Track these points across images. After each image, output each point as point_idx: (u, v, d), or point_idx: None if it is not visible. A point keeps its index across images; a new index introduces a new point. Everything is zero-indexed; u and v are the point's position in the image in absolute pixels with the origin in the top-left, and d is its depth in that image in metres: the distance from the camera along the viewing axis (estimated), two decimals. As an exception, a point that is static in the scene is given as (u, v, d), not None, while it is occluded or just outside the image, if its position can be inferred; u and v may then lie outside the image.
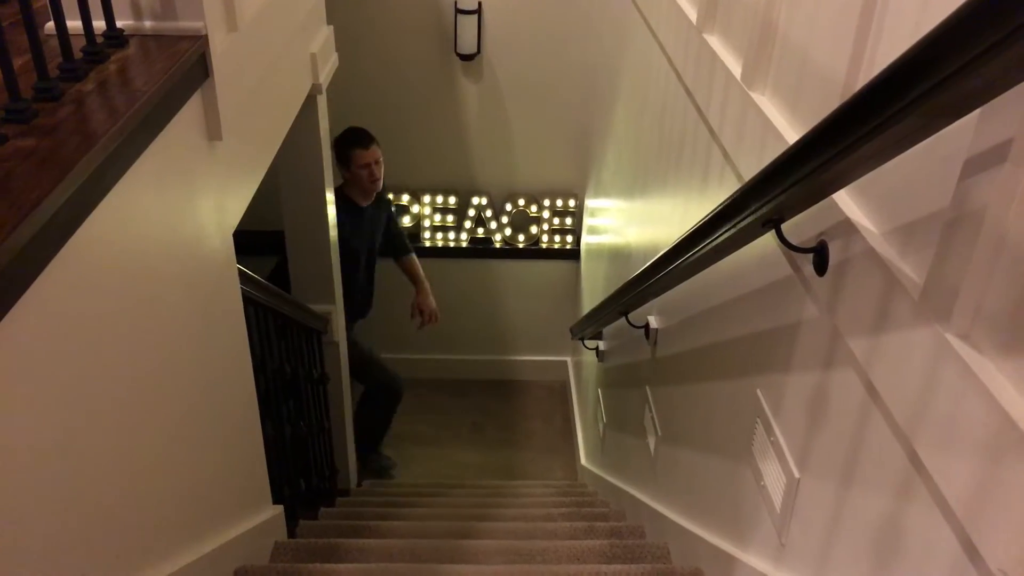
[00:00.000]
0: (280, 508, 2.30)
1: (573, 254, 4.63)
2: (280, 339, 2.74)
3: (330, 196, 3.06)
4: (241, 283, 1.93)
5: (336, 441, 3.54)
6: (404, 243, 3.87)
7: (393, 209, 3.88)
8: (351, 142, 3.34)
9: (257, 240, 3.27)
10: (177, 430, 1.49)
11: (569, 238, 4.63)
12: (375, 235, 3.67)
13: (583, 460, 4.13)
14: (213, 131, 1.58)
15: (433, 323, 3.84)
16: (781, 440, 1.26)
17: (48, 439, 1.03)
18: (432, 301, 3.82)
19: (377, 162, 3.38)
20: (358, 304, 3.68)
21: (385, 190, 3.64)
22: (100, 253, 1.15)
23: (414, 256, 3.87)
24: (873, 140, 0.76)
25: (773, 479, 1.29)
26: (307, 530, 2.58)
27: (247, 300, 2.09)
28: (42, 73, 1.20)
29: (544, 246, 4.62)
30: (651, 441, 2.35)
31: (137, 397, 1.31)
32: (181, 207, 1.50)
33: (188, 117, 1.47)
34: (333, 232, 3.13)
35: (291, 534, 2.45)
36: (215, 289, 1.72)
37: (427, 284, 3.83)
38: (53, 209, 0.98)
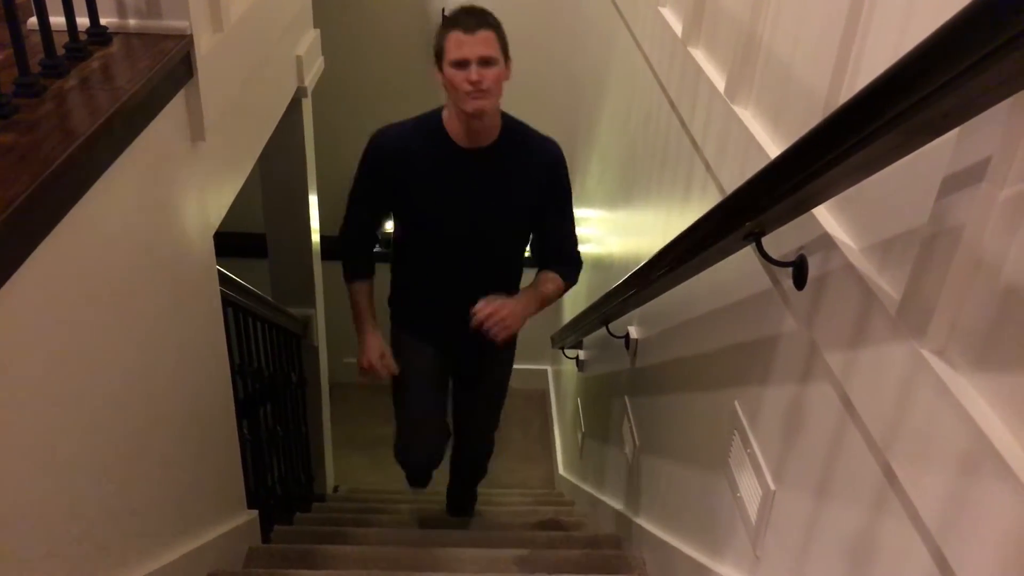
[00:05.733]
0: (255, 513, 2.28)
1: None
2: (259, 342, 2.72)
3: (313, 199, 3.04)
4: (220, 284, 1.91)
5: (313, 446, 3.52)
6: (569, 254, 2.22)
7: (563, 176, 2.13)
8: (446, 20, 1.91)
9: (250, 243, 3.26)
10: (151, 430, 1.48)
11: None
12: (490, 206, 2.06)
13: (561, 469, 4.13)
14: (196, 131, 1.58)
15: (499, 330, 2.04)
16: (757, 452, 1.27)
17: (18, 438, 1.02)
18: (515, 308, 2.06)
19: (487, 61, 1.84)
20: (438, 319, 2.24)
21: (536, 138, 2.07)
22: (78, 251, 1.14)
23: (560, 280, 2.20)
24: (853, 156, 0.77)
25: (749, 491, 1.29)
26: (282, 535, 2.56)
27: (226, 302, 2.08)
28: (23, 69, 1.19)
29: (526, 254, 4.62)
30: (629, 451, 2.36)
31: (111, 396, 1.29)
32: (162, 206, 1.49)
33: (171, 117, 1.46)
34: (315, 236, 3.11)
35: (266, 539, 2.43)
36: (194, 289, 1.71)
37: (535, 299, 2.15)
38: (31, 206, 0.96)
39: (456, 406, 2.58)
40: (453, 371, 2.44)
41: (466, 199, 2.03)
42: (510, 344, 2.37)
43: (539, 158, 2.07)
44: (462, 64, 1.84)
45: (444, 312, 2.18)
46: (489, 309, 2.01)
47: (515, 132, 2.04)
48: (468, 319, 2.03)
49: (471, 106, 1.86)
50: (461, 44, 1.84)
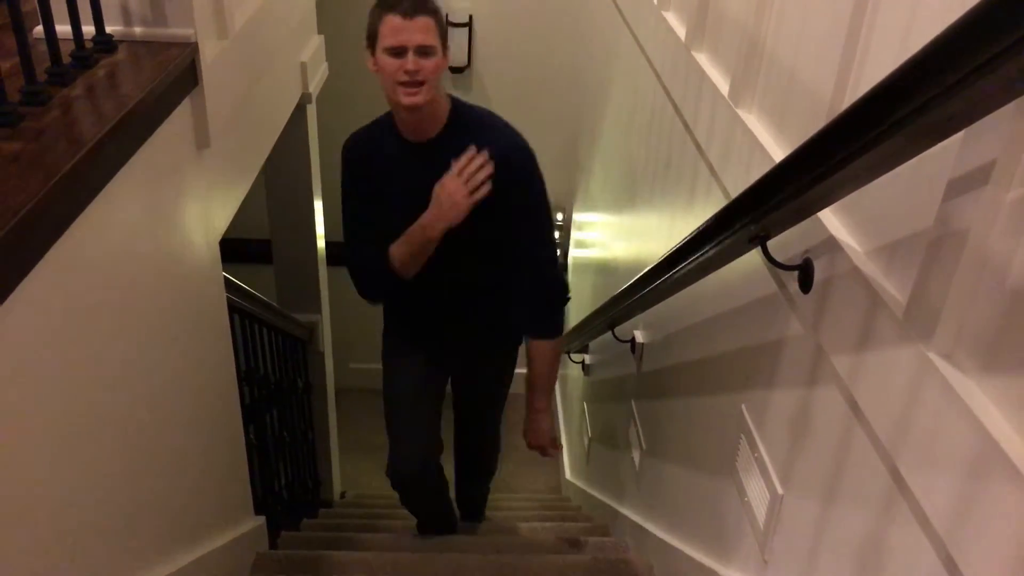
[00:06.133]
0: (262, 519, 2.28)
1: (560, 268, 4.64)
2: (265, 348, 2.73)
3: (318, 205, 3.05)
4: (226, 291, 1.92)
5: (319, 452, 3.52)
6: (542, 277, 1.99)
7: (523, 172, 1.86)
8: (384, 2, 1.71)
9: (255, 249, 3.27)
10: (158, 436, 1.48)
11: (556, 252, 4.63)
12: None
13: (567, 474, 4.13)
14: (201, 138, 1.58)
15: (551, 453, 2.21)
16: (765, 456, 1.27)
17: (26, 444, 1.02)
18: (546, 425, 2.15)
19: (425, 50, 1.67)
20: (423, 325, 2.14)
21: (493, 128, 1.85)
22: (84, 259, 1.15)
23: (549, 343, 2.06)
24: (858, 160, 0.77)
25: (756, 495, 1.29)
26: (289, 541, 2.56)
27: (232, 308, 2.08)
28: (29, 77, 1.19)
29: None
30: (636, 455, 2.35)
31: (118, 403, 1.30)
32: (168, 213, 1.49)
33: (176, 124, 1.47)
34: (320, 242, 3.12)
35: (273, 545, 2.43)
36: (200, 295, 1.71)
37: (547, 396, 2.14)
38: (38, 214, 0.97)
39: (455, 401, 2.45)
40: (448, 373, 2.30)
41: (415, 196, 1.81)
42: (506, 344, 2.24)
43: (498, 152, 1.77)
44: (398, 52, 1.66)
45: (427, 318, 2.10)
46: (534, 446, 2.16)
47: (465, 121, 1.83)
48: (453, 324, 2.05)
49: (406, 101, 1.69)
50: (398, 30, 1.66)
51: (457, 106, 1.84)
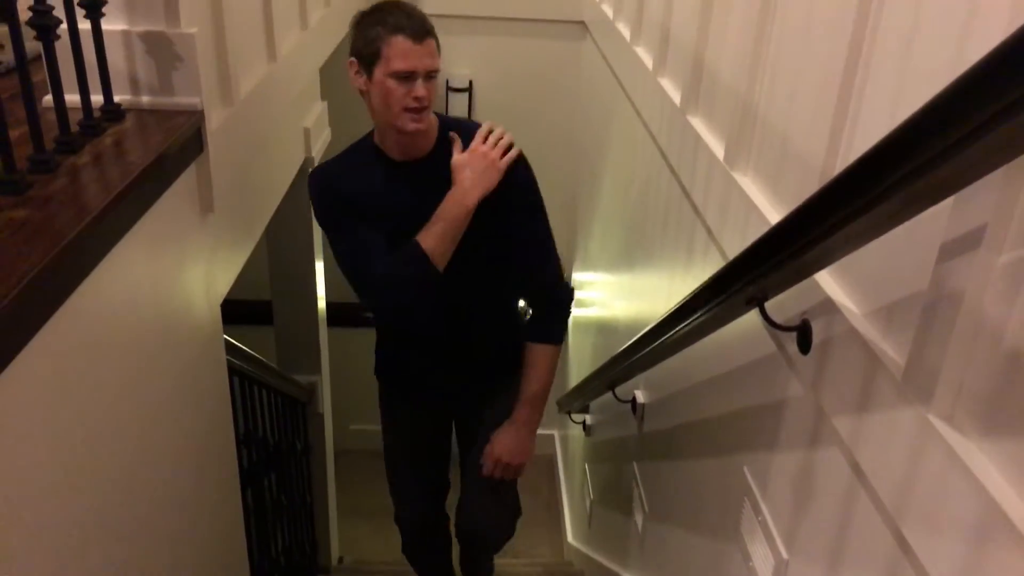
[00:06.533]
0: (258, 586, 2.23)
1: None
2: (264, 410, 2.71)
3: (319, 266, 3.07)
4: (227, 353, 1.92)
5: (317, 515, 3.47)
6: (543, 283, 1.94)
7: (518, 176, 1.82)
8: (381, 19, 1.62)
9: (256, 310, 3.28)
10: (155, 501, 1.46)
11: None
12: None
13: (570, 537, 4.06)
14: (205, 203, 1.60)
15: (514, 469, 2.03)
16: (769, 519, 1.25)
17: (24, 511, 1.01)
18: (524, 445, 1.99)
19: (432, 74, 1.64)
20: (423, 367, 2.03)
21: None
22: (87, 324, 1.15)
23: (548, 349, 1.96)
24: (850, 224, 0.78)
25: (761, 560, 1.27)
26: (285, 609, 2.50)
27: (232, 370, 2.08)
28: (38, 145, 1.22)
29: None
30: (638, 518, 2.32)
31: (116, 466, 1.29)
32: (170, 277, 1.51)
33: (181, 190, 1.49)
34: (321, 303, 3.13)
35: (268, 613, 2.38)
36: (200, 359, 1.71)
37: (535, 410, 1.97)
38: (42, 281, 0.98)
39: (463, 460, 2.21)
40: (452, 421, 2.18)
41: (411, 218, 1.73)
42: (511, 377, 2.01)
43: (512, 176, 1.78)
44: (407, 76, 1.59)
45: (427, 357, 1.95)
46: (492, 460, 1.96)
47: (462, 134, 1.80)
48: (452, 361, 1.94)
49: (412, 127, 1.64)
50: (408, 54, 1.57)
51: (442, 120, 1.83)
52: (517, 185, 1.81)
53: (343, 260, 1.82)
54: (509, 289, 1.96)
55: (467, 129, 1.82)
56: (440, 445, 2.21)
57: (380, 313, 2.00)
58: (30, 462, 1.02)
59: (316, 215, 1.87)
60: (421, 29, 1.60)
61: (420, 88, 1.60)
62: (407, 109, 1.62)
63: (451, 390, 2.07)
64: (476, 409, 2.11)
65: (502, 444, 1.95)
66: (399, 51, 1.58)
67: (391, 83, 1.60)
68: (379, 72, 1.60)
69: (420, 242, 1.72)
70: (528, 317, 2.01)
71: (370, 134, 1.82)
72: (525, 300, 1.96)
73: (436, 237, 1.73)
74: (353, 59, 1.66)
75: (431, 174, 1.76)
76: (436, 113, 1.81)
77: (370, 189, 1.79)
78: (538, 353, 1.94)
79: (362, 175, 1.79)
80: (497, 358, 2.04)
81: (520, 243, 1.86)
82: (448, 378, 2.03)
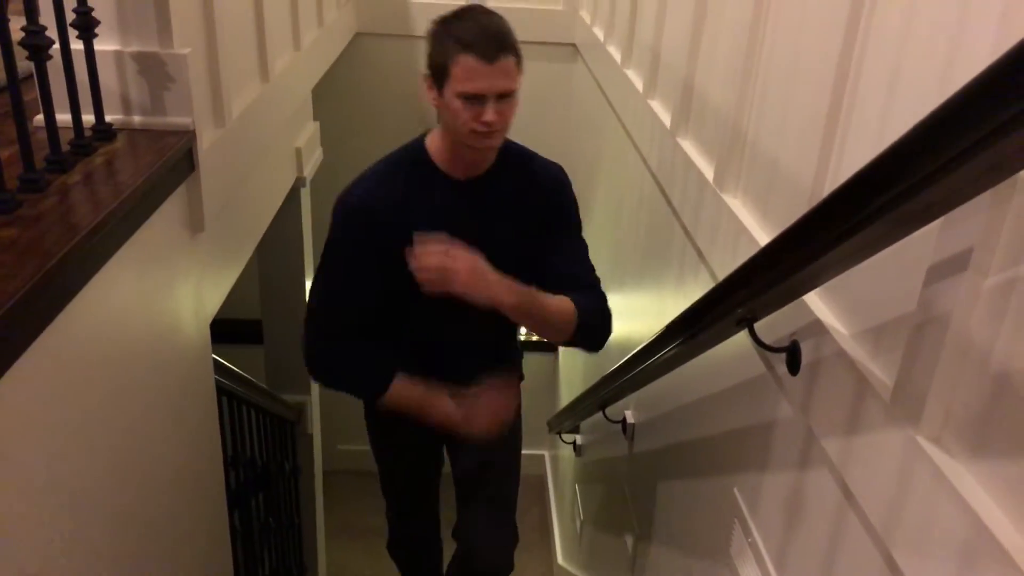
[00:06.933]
0: (245, 609, 2.21)
1: (551, 347, 4.64)
2: (252, 430, 2.70)
3: (309, 286, 3.05)
4: (216, 373, 1.91)
5: (306, 536, 3.44)
6: (586, 280, 1.75)
7: (569, 201, 1.78)
8: (455, 35, 1.47)
9: (245, 329, 3.26)
10: (140, 520, 1.45)
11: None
12: (492, 245, 1.57)
13: (560, 559, 4.03)
14: (196, 223, 1.60)
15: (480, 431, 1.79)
16: (759, 541, 1.25)
17: (8, 528, 1.00)
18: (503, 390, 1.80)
19: (505, 95, 1.49)
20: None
21: (533, 158, 1.77)
22: (74, 344, 1.15)
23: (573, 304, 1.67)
24: (838, 246, 0.79)
25: (752, 582, 1.26)
26: (272, 632, 2.47)
27: (220, 390, 2.07)
28: (28, 164, 1.21)
29: (522, 338, 4.63)
30: (629, 539, 2.31)
31: (103, 488, 1.27)
32: (160, 297, 1.50)
33: (172, 209, 1.49)
34: (311, 322, 3.11)
35: (255, 637, 2.35)
36: (189, 379, 1.70)
37: (533, 303, 1.61)
38: (30, 300, 0.97)
39: (459, 483, 2.07)
40: (448, 443, 2.04)
41: (469, 240, 1.53)
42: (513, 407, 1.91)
43: (542, 182, 1.72)
44: (476, 99, 1.45)
45: (435, 371, 1.77)
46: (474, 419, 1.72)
47: (514, 154, 1.71)
48: (461, 374, 1.74)
49: (480, 144, 1.52)
50: (475, 75, 1.43)
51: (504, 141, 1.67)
52: (564, 209, 1.74)
53: (317, 293, 1.72)
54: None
55: (517, 151, 1.72)
56: (438, 464, 2.14)
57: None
58: (14, 481, 1.01)
59: (333, 240, 1.65)
60: (495, 46, 1.44)
61: (490, 112, 1.46)
62: (474, 132, 1.49)
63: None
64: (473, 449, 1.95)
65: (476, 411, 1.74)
66: (467, 71, 1.44)
67: (458, 104, 1.47)
68: (448, 91, 1.47)
69: (391, 386, 1.69)
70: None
71: (416, 148, 1.64)
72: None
73: (396, 400, 1.72)
74: (427, 72, 1.53)
75: (488, 193, 1.65)
76: None
77: (422, 209, 1.61)
78: (566, 302, 1.65)
79: (414, 193, 1.61)
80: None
81: (561, 250, 1.72)
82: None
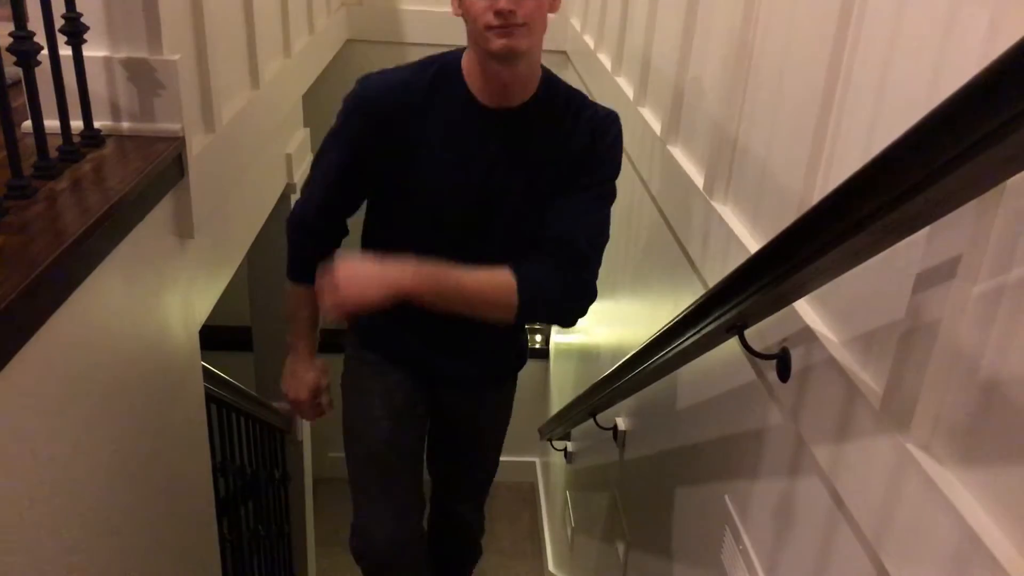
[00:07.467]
0: (233, 618, 2.19)
1: (542, 353, 4.64)
2: (242, 438, 2.68)
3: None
4: (205, 380, 1.90)
5: (295, 545, 3.42)
6: (570, 243, 1.48)
7: (613, 151, 1.51)
8: None
9: (236, 336, 3.25)
10: (129, 533, 1.44)
11: (538, 338, 4.64)
12: (512, 189, 1.49)
13: (551, 566, 4.02)
14: (185, 229, 1.59)
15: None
16: (750, 549, 1.25)
17: (-8, 546, 0.99)
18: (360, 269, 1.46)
19: None
20: (420, 336, 1.67)
21: (584, 102, 1.52)
22: (62, 352, 1.14)
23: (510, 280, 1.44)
24: (828, 254, 0.79)
25: (743, 589, 1.26)
26: (261, 642, 2.46)
27: (210, 398, 2.06)
28: (16, 171, 1.21)
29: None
30: (620, 547, 2.31)
31: (89, 499, 1.26)
32: (148, 304, 1.49)
33: (160, 215, 1.48)
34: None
35: (244, 646, 2.33)
36: (178, 387, 1.69)
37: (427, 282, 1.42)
38: (16, 308, 0.97)
39: (433, 455, 1.91)
40: (432, 407, 1.79)
41: (482, 177, 1.44)
42: (507, 383, 1.86)
43: (587, 125, 1.47)
44: None
45: (429, 328, 1.60)
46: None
47: (559, 91, 1.48)
48: (460, 338, 1.60)
49: (496, 44, 1.31)
50: None
51: (548, 74, 1.49)
52: (605, 153, 1.48)
53: (308, 180, 1.61)
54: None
55: (567, 93, 1.50)
56: (420, 437, 1.78)
57: (377, 243, 1.55)
58: (1, 490, 1.00)
59: (333, 130, 1.51)
60: None
61: (503, 0, 1.26)
62: (489, 27, 1.30)
63: (440, 358, 1.68)
64: (464, 405, 1.82)
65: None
66: None
67: (474, 3, 1.30)
68: None
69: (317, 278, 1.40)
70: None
71: (457, 54, 1.46)
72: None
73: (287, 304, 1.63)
74: None
75: (520, 129, 1.45)
76: (550, 72, 1.49)
77: (441, 127, 1.44)
78: (498, 276, 1.42)
79: (436, 104, 1.44)
80: (502, 344, 1.74)
81: (567, 199, 1.46)
82: (438, 354, 1.67)
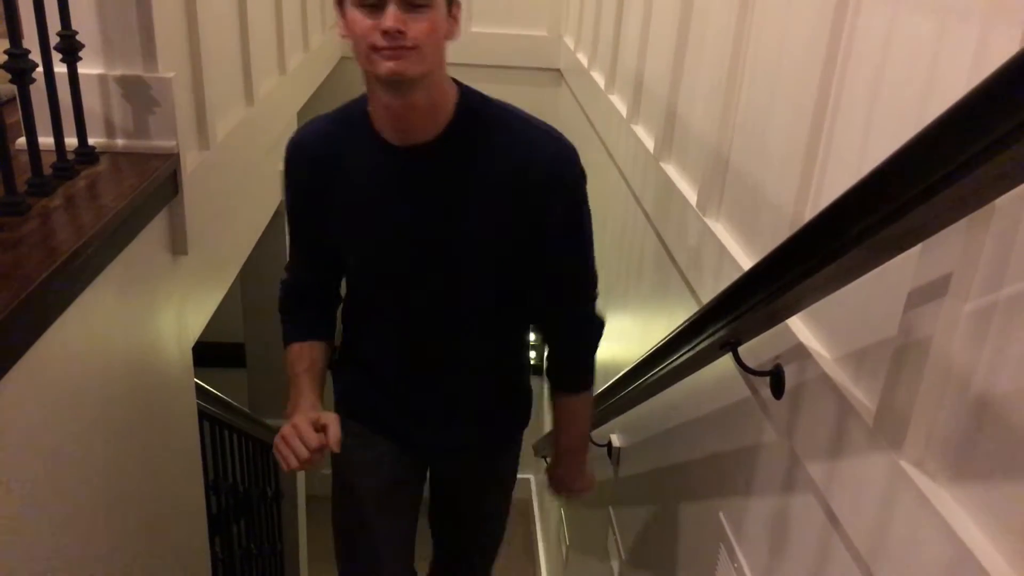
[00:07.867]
0: (225, 638, 2.17)
1: (535, 371, 4.62)
2: (234, 455, 2.67)
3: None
4: (197, 397, 1.89)
5: (288, 563, 3.40)
6: (575, 308, 1.47)
7: (562, 185, 1.31)
8: None
9: (228, 352, 3.24)
10: (119, 546, 1.42)
11: (532, 354, 4.63)
12: (439, 232, 1.31)
13: (545, 584, 4.00)
14: (179, 246, 1.59)
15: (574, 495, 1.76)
16: (744, 566, 1.24)
17: (-18, 565, 0.98)
18: (577, 472, 1.68)
19: (416, 6, 1.10)
20: (393, 403, 1.50)
21: (512, 128, 1.29)
22: (54, 368, 1.13)
23: (582, 399, 1.56)
24: (819, 271, 0.79)
25: (738, 607, 1.26)
26: (253, 662, 2.43)
27: (202, 415, 2.05)
28: (9, 188, 1.20)
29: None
30: (614, 565, 2.30)
31: (81, 512, 1.25)
32: (141, 320, 1.49)
33: (154, 232, 1.48)
34: (295, 345, 3.10)
35: (235, 666, 2.31)
36: (170, 404, 1.68)
37: (585, 451, 1.65)
38: (8, 325, 0.96)
39: (434, 520, 1.80)
40: (427, 476, 1.67)
41: (402, 222, 1.30)
42: (510, 446, 1.69)
43: (516, 160, 1.25)
44: (372, 5, 1.10)
45: (409, 397, 1.47)
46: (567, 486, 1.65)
47: (479, 120, 1.27)
48: (444, 407, 1.47)
49: (383, 67, 1.12)
50: None
51: (468, 96, 1.28)
52: (555, 194, 1.30)
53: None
54: (507, 310, 1.43)
55: (496, 117, 1.28)
56: (406, 504, 1.62)
57: (349, 307, 1.50)
58: (-9, 511, 0.99)
59: (284, 186, 1.41)
60: None
61: (389, 16, 1.08)
62: (375, 48, 1.12)
63: (432, 436, 1.53)
64: (460, 477, 1.69)
65: (570, 477, 1.66)
66: None
67: (354, 15, 1.12)
68: (347, 4, 1.14)
69: (292, 351, 1.38)
70: (547, 355, 1.56)
71: (359, 101, 1.32)
72: (542, 332, 1.50)
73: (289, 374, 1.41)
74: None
75: (434, 168, 1.26)
76: (464, 87, 1.29)
77: (355, 172, 1.30)
78: (575, 407, 1.54)
79: (349, 149, 1.31)
80: (496, 412, 1.59)
81: (554, 263, 1.37)
82: (428, 423, 1.51)
